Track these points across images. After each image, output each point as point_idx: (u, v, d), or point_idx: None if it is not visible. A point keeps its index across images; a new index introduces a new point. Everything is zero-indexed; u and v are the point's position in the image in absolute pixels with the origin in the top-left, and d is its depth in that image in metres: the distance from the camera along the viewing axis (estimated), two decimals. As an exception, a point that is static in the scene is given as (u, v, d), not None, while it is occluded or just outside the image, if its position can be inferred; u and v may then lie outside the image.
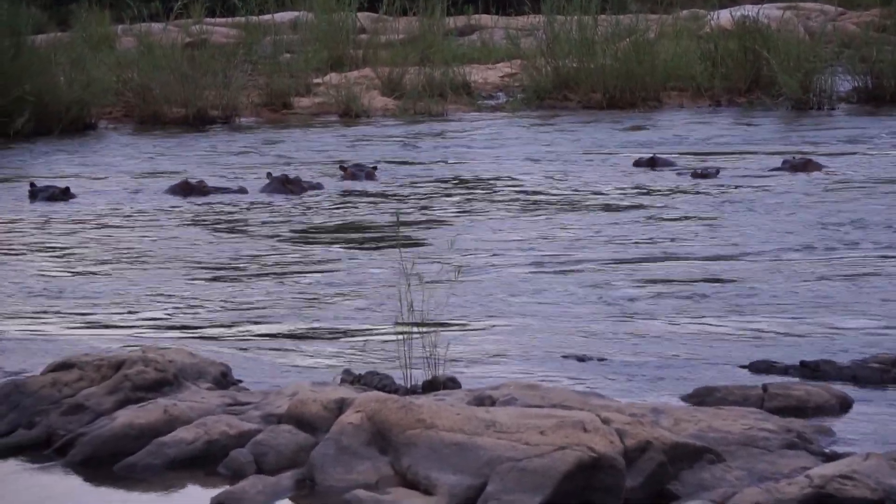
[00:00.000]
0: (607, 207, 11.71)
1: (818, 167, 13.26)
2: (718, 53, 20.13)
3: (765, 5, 21.51)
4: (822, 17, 25.03)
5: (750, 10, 20.39)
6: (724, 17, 21.59)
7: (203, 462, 5.43)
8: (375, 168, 13.82)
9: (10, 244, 10.72)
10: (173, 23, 23.40)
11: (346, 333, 7.63)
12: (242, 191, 13.02)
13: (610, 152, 15.25)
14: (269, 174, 13.28)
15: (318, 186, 13.12)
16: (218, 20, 26.05)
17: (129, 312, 8.27)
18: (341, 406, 5.48)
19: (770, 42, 19.62)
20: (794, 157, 13.56)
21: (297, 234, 10.92)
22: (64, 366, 6.13)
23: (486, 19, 27.79)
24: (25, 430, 5.79)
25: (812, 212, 11.10)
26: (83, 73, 18.68)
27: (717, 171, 13.13)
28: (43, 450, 5.68)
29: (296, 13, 25.17)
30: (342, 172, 13.75)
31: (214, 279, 9.19)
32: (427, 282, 6.61)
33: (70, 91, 18.35)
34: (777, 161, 13.65)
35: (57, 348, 7.22)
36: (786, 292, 8.32)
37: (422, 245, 10.06)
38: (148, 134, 18.23)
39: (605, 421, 5.10)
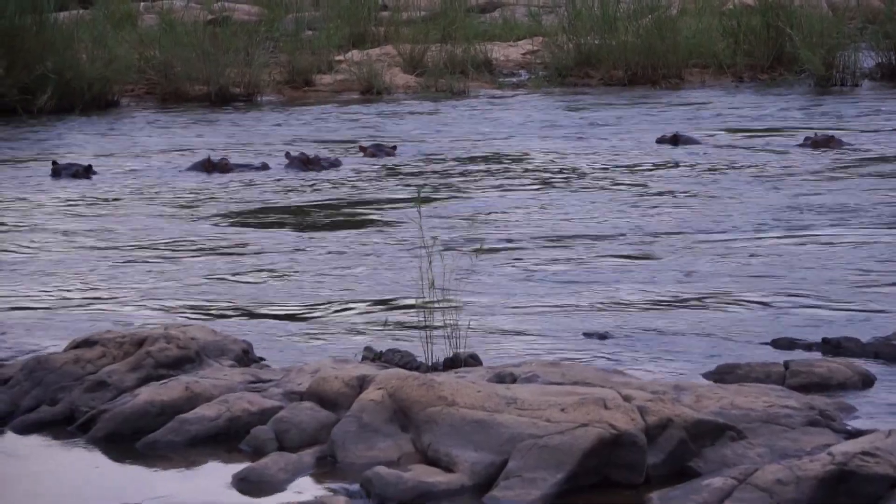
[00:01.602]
0: (626, 183, 11.68)
1: (840, 144, 13.20)
2: (741, 30, 20.03)
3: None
4: (845, -7, 24.85)
5: (773, -15, 20.26)
6: (747, -7, 21.47)
7: (225, 439, 5.44)
8: (395, 147, 13.75)
9: (27, 222, 10.74)
10: (195, 0, 23.39)
11: (366, 311, 7.64)
12: (265, 167, 13.03)
13: (632, 129, 15.20)
14: (287, 154, 13.27)
15: (337, 164, 13.11)
16: (240, -3, 26.01)
17: (146, 291, 8.29)
18: (362, 383, 5.49)
19: (793, 18, 19.51)
20: (815, 134, 13.50)
21: (315, 211, 10.92)
22: (86, 343, 6.15)
23: (507, -4, 27.68)
24: (48, 407, 5.81)
25: (820, 189, 11.07)
26: (105, 51, 18.69)
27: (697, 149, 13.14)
28: (66, 426, 5.71)
29: (317, -10, 25.12)
30: (361, 152, 13.73)
31: (234, 255, 9.20)
32: (448, 258, 6.60)
33: (92, 68, 18.36)
34: (799, 138, 13.60)
35: (70, 326, 7.25)
36: (808, 270, 8.30)
37: (442, 223, 10.05)
38: (170, 111, 18.24)
39: (627, 398, 5.10)
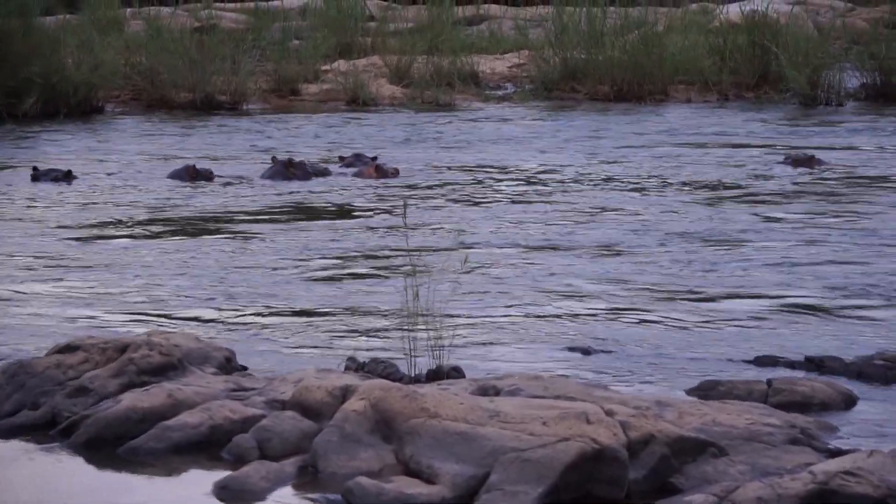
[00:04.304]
0: (608, 198, 11.69)
1: (820, 163, 13.27)
2: (727, 47, 20.10)
3: (774, 0, 21.48)
4: (831, 13, 25.01)
5: (759, 4, 20.36)
6: (734, 11, 21.57)
7: (207, 447, 5.43)
8: (375, 158, 13.67)
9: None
10: (182, 7, 23.40)
11: (350, 321, 7.63)
12: (245, 176, 13.02)
13: (618, 145, 15.23)
14: (273, 158, 13.27)
15: (324, 172, 13.10)
16: (227, 5, 26.06)
17: (132, 297, 8.27)
18: (345, 393, 5.48)
19: (779, 37, 19.59)
20: (796, 152, 13.58)
21: (292, 219, 10.90)
22: (69, 348, 6.14)
23: (494, 9, 27.76)
24: (30, 411, 5.79)
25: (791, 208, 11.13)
26: (91, 56, 18.67)
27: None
28: (47, 431, 5.69)
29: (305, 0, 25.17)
30: (340, 162, 13.70)
31: (217, 264, 9.18)
32: (432, 269, 6.60)
33: (78, 73, 18.34)
34: (780, 156, 13.66)
35: (44, 331, 7.24)
36: (789, 284, 8.34)
37: (425, 233, 10.05)
38: (155, 118, 18.23)
39: (609, 413, 5.10)
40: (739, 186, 12.29)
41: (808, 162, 13.24)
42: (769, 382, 6.09)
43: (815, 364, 6.58)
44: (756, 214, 10.86)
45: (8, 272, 8.95)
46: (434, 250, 9.25)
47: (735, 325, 7.48)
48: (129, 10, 24.81)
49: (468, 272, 8.44)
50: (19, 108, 17.62)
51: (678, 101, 19.44)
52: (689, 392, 6.16)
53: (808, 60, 18.79)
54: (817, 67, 18.80)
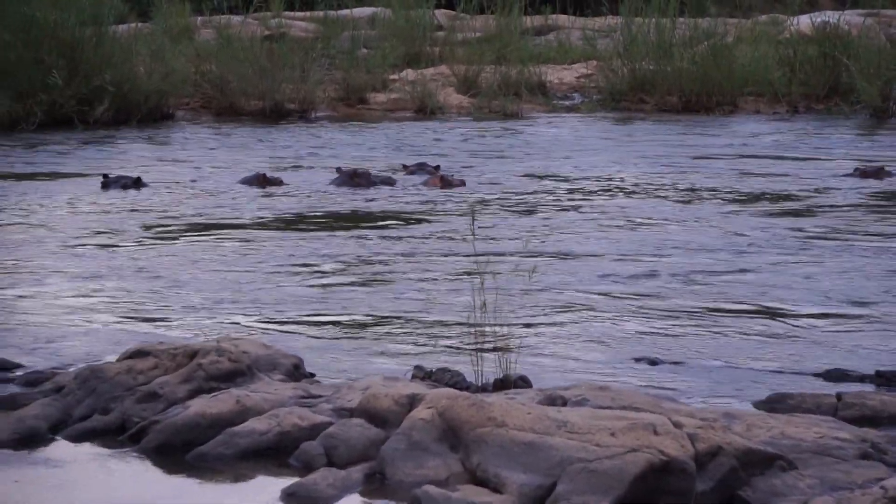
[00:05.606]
0: (673, 208, 11.65)
1: (889, 175, 13.18)
2: (797, 59, 19.99)
3: (846, 11, 21.33)
4: (903, 25, 24.78)
5: (830, 16, 20.23)
6: (804, 22, 21.44)
7: (274, 453, 5.46)
8: (438, 167, 13.69)
9: (75, 232, 10.83)
10: (252, 15, 23.56)
11: (417, 330, 7.65)
12: (312, 184, 13.09)
13: (686, 156, 15.18)
14: (338, 168, 13.34)
15: (389, 181, 13.14)
16: (296, 14, 26.20)
17: (198, 302, 8.33)
18: (412, 401, 5.50)
19: (850, 48, 19.46)
20: (865, 164, 13.50)
21: (354, 227, 10.94)
22: (139, 353, 6.19)
23: (563, 19, 27.75)
24: (101, 416, 5.85)
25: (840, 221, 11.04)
26: (162, 64, 18.87)
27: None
28: (117, 436, 5.74)
29: (374, 9, 25.29)
30: (404, 170, 13.74)
31: (286, 272, 9.23)
32: (500, 279, 6.60)
33: (149, 81, 18.54)
34: (849, 168, 13.58)
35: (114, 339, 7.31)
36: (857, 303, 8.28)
37: (491, 242, 10.05)
38: (224, 125, 18.36)
39: (677, 424, 5.08)
40: (807, 198, 12.22)
41: (877, 174, 13.16)
42: (839, 396, 6.04)
43: (885, 378, 6.52)
44: (823, 226, 10.79)
45: (72, 276, 9.05)
46: (500, 259, 9.25)
47: (802, 338, 7.42)
48: (199, 18, 25.03)
49: (534, 281, 8.43)
50: (91, 115, 17.83)
51: (747, 113, 19.34)
52: (757, 405, 6.13)
53: (879, 72, 18.65)
54: (889, 79, 18.65)
